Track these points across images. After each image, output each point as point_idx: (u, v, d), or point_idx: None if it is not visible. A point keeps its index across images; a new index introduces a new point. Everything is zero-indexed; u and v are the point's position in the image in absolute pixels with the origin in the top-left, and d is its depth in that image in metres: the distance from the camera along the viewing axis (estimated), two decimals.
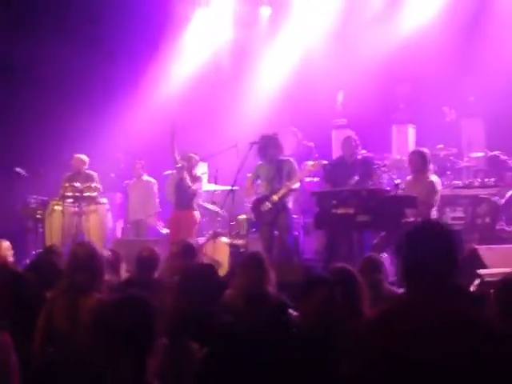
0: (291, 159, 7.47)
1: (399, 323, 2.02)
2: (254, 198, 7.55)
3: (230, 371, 2.65)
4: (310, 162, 8.94)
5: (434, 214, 6.71)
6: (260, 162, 7.45)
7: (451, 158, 8.51)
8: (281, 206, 7.22)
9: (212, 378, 2.73)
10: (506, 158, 8.18)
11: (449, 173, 8.25)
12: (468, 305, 2.02)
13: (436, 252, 2.09)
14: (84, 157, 8.56)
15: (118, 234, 9.40)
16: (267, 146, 7.23)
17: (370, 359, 2.02)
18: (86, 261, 3.49)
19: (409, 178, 7.07)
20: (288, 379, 2.56)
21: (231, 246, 7.66)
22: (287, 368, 2.59)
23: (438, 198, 6.66)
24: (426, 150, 7.11)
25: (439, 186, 6.78)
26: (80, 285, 3.40)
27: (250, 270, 3.95)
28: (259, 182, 7.48)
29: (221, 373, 2.71)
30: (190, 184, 7.87)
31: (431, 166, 6.98)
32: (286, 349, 2.69)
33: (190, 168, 8.03)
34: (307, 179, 8.44)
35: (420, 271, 2.08)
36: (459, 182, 8.00)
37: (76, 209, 8.22)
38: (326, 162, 7.75)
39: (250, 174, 7.84)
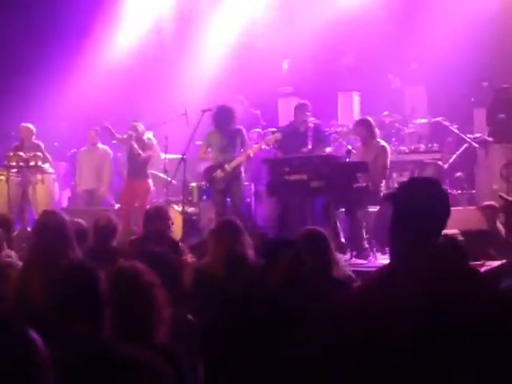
0: (242, 128, 7.49)
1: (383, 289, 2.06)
2: (206, 165, 7.56)
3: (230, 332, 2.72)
4: (257, 130, 9.03)
5: (383, 178, 6.88)
6: (211, 130, 7.43)
7: (396, 124, 8.73)
8: (233, 175, 7.25)
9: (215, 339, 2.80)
10: (448, 124, 8.46)
11: (394, 139, 8.46)
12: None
13: (433, 205, 2.12)
14: (30, 126, 8.30)
15: (64, 203, 9.22)
16: (221, 114, 7.22)
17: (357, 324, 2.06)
18: (57, 229, 3.42)
19: (359, 145, 7.21)
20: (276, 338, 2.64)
21: (183, 213, 7.67)
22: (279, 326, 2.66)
23: (388, 161, 6.82)
24: (368, 117, 7.22)
25: (389, 150, 6.94)
26: (55, 255, 3.34)
27: (226, 236, 4.00)
28: (209, 149, 7.48)
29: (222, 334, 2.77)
30: (139, 152, 7.79)
31: (377, 132, 7.12)
32: (271, 308, 2.76)
33: (138, 136, 7.93)
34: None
35: (410, 222, 2.10)
36: (405, 148, 8.23)
37: (21, 178, 8.00)
38: (279, 134, 7.73)
39: (200, 142, 7.82)
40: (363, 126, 6.92)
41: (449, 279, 2.02)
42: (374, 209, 6.84)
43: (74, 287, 2.13)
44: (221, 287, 3.79)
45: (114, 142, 8.28)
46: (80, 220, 4.92)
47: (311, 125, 7.48)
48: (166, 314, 2.36)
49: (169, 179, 7.74)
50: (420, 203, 2.13)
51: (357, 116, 9.33)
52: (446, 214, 2.16)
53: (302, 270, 3.21)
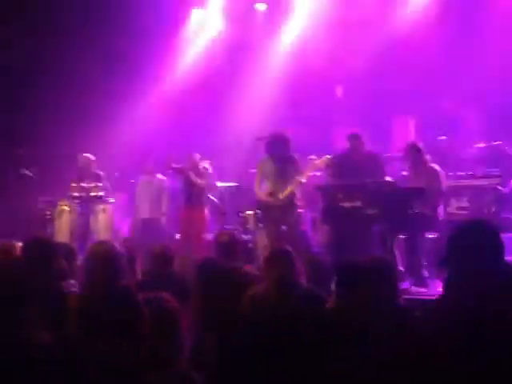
0: (295, 155, 7.50)
1: None
2: (261, 194, 7.60)
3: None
4: (312, 157, 9.04)
5: (439, 203, 6.77)
6: (263, 158, 7.46)
7: (453, 149, 8.60)
8: (287, 202, 7.25)
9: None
10: (507, 147, 8.28)
11: (451, 164, 8.32)
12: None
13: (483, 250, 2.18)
14: (91, 156, 8.59)
15: (124, 232, 9.44)
16: (274, 142, 7.25)
17: None
18: (105, 261, 3.54)
19: (406, 173, 7.08)
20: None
21: (238, 241, 7.71)
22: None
23: (441, 185, 6.68)
24: (417, 142, 7.10)
25: (442, 174, 6.82)
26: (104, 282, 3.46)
27: (277, 264, 4.05)
28: (264, 178, 7.50)
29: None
30: (195, 180, 7.92)
31: (427, 156, 7.00)
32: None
33: (194, 165, 8.06)
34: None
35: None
36: (462, 173, 8.08)
37: (83, 209, 8.28)
38: (328, 157, 7.72)
39: (256, 171, 7.89)
40: (412, 151, 6.83)
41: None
42: (431, 235, 6.73)
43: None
44: (272, 314, 3.84)
45: (169, 170, 8.44)
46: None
47: (365, 152, 7.41)
48: (187, 342, 2.44)
49: (224, 207, 7.83)
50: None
51: (412, 140, 9.24)
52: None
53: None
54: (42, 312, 2.64)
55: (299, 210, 7.64)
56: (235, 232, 6.40)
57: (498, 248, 2.31)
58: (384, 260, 3.65)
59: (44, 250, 3.50)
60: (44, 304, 2.93)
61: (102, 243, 4.32)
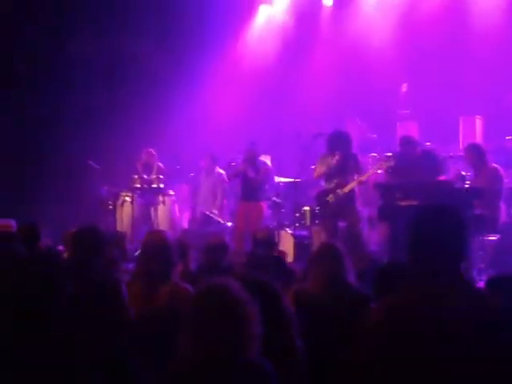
0: (357, 154, 7.45)
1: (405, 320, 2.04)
2: (318, 189, 7.58)
3: None
4: (374, 154, 8.94)
5: (499, 204, 6.58)
6: (325, 153, 7.43)
7: None
8: (346, 199, 7.21)
9: None
10: None
11: None
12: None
13: (444, 235, 2.10)
14: (153, 151, 8.80)
15: (185, 225, 9.62)
16: (336, 139, 7.23)
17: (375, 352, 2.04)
18: (158, 249, 3.64)
19: (467, 173, 6.94)
20: None
21: (296, 237, 7.74)
22: None
23: (501, 185, 6.49)
24: (477, 143, 7.08)
25: (502, 173, 6.62)
26: (155, 273, 3.56)
27: (325, 260, 4.03)
28: (323, 173, 7.47)
29: None
30: (254, 175, 7.95)
31: (488, 157, 6.83)
32: None
33: (252, 160, 8.08)
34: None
35: (425, 252, 2.09)
36: None
37: (144, 200, 8.51)
38: (392, 160, 7.59)
39: (314, 166, 7.87)
40: (472, 151, 6.68)
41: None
42: (492, 237, 6.54)
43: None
44: (320, 312, 3.82)
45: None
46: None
47: (421, 151, 7.28)
48: (257, 331, 2.32)
49: (281, 203, 7.85)
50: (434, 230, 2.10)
51: (479, 140, 9.00)
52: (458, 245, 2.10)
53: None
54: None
55: (359, 208, 7.59)
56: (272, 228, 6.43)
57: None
58: None
59: (94, 239, 3.62)
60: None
61: (154, 232, 4.44)
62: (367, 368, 2.05)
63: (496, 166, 6.64)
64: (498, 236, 6.47)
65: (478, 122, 9.53)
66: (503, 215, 6.64)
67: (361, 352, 2.10)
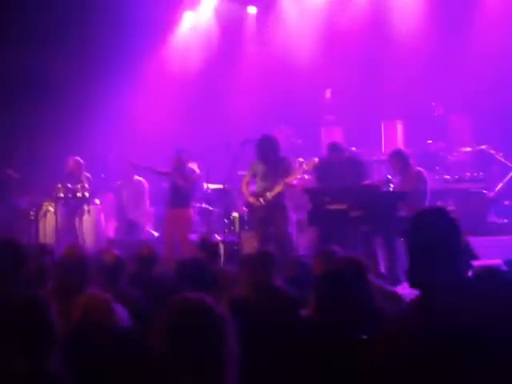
0: (287, 157, 7.49)
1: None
2: (247, 196, 7.58)
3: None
4: (300, 159, 9.04)
5: (425, 206, 6.78)
6: (255, 160, 7.45)
7: (440, 153, 8.63)
8: (275, 203, 7.23)
9: None
10: (493, 151, 8.31)
11: (438, 168, 8.35)
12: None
13: (441, 236, 2.11)
14: (79, 159, 8.53)
15: (111, 233, 9.41)
16: (264, 145, 7.24)
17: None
18: (73, 264, 3.54)
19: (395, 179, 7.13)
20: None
21: (225, 243, 7.70)
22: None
23: (426, 187, 6.71)
24: (400, 148, 7.28)
25: (426, 176, 6.85)
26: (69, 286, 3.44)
27: (254, 266, 4.03)
28: (255, 179, 7.48)
29: None
30: (181, 182, 7.87)
31: (411, 161, 7.07)
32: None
33: (181, 167, 8.00)
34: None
35: (426, 260, 2.10)
36: (449, 177, 8.11)
37: (68, 210, 8.24)
38: (316, 159, 7.73)
39: (242, 172, 7.88)
40: (396, 159, 6.89)
41: None
42: None
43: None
44: (251, 317, 3.80)
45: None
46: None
47: (346, 156, 7.46)
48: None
49: (210, 209, 7.81)
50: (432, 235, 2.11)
51: (401, 144, 9.27)
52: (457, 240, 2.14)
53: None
54: None
55: (288, 213, 7.63)
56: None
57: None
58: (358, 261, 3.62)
59: (13, 253, 3.42)
60: None
61: (71, 248, 4.30)
62: None
63: (420, 169, 6.86)
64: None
65: (399, 127, 9.83)
66: None
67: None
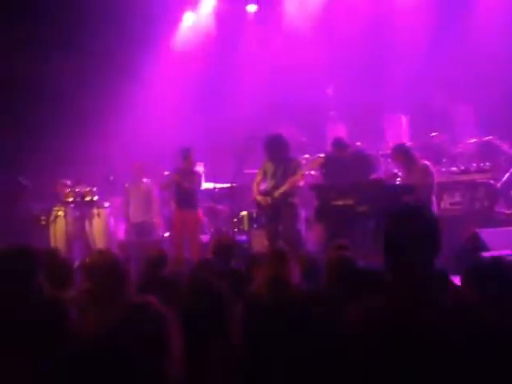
0: (297, 158, 7.52)
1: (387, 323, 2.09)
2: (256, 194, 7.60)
3: None
4: (306, 156, 9.07)
5: (432, 199, 6.80)
6: (266, 159, 7.47)
7: (446, 144, 8.63)
8: (283, 201, 7.26)
9: None
10: (498, 142, 8.31)
11: (444, 160, 8.35)
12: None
13: (418, 233, 2.15)
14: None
15: (121, 236, 9.45)
16: (272, 144, 7.27)
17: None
18: (110, 270, 3.47)
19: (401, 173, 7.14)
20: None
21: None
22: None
23: (433, 180, 6.71)
24: (402, 143, 7.26)
25: (432, 169, 6.85)
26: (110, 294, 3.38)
27: (270, 263, 4.06)
28: (265, 179, 7.50)
29: None
30: (187, 184, 7.90)
31: (416, 154, 7.05)
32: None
33: (188, 167, 8.04)
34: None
35: (400, 252, 2.15)
36: (455, 169, 8.11)
37: (78, 213, 8.31)
38: (322, 157, 7.75)
39: (248, 171, 7.92)
40: (399, 154, 6.88)
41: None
42: None
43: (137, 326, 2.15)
44: (265, 314, 3.84)
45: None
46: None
47: (351, 152, 7.48)
48: (178, 348, 2.25)
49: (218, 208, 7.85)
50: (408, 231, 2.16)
51: (406, 137, 9.28)
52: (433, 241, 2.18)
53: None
54: None
55: (298, 210, 7.65)
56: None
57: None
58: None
59: (25, 262, 3.34)
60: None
61: (102, 253, 4.28)
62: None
63: (426, 162, 6.87)
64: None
65: (404, 120, 9.83)
66: (435, 209, 6.85)
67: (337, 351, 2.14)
